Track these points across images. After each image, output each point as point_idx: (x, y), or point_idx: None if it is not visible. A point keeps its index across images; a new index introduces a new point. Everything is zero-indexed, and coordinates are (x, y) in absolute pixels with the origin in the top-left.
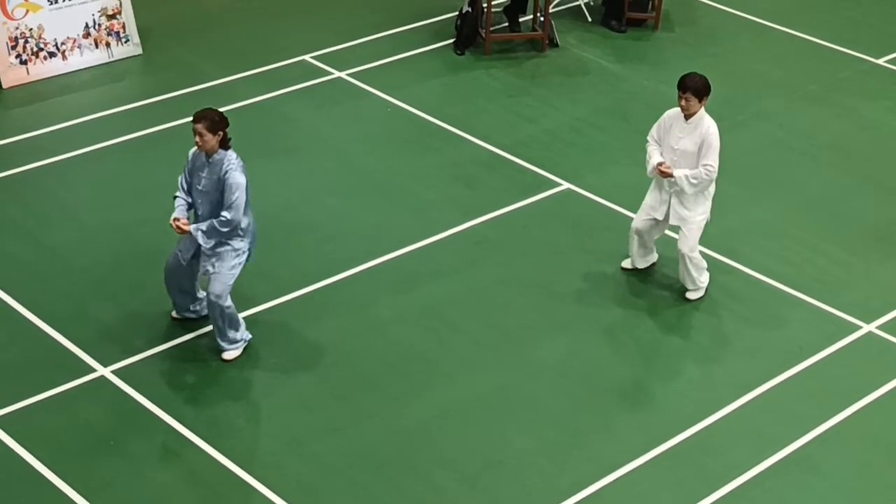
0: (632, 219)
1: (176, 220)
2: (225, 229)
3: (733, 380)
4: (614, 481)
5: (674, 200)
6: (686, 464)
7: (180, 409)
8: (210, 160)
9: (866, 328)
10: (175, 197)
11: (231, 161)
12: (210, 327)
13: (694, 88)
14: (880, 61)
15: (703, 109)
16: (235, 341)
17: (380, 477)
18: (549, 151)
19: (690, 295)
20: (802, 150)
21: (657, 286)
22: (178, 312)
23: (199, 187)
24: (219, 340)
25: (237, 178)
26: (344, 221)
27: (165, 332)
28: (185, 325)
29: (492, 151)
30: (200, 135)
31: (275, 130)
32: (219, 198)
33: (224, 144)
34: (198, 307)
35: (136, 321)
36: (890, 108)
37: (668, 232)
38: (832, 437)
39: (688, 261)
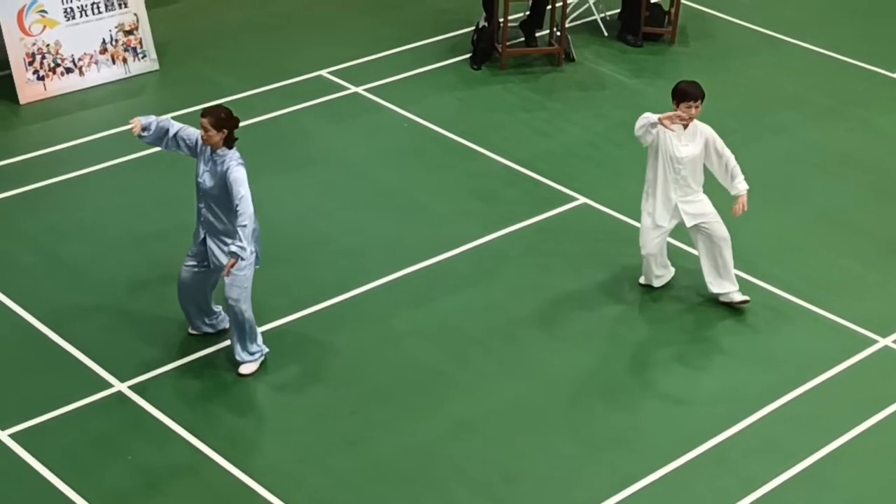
0: None
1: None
2: (245, 223)
3: (748, 394)
4: (630, 496)
5: (682, 203)
6: (701, 478)
7: (197, 424)
8: (213, 155)
9: (882, 342)
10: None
11: (233, 158)
12: (227, 342)
13: (703, 96)
14: (894, 75)
15: None
16: (253, 354)
17: (396, 491)
18: (565, 166)
19: (737, 296)
20: (817, 163)
21: (674, 300)
22: (193, 328)
23: (200, 180)
24: (238, 352)
25: (238, 172)
26: (360, 235)
27: (182, 346)
28: (202, 339)
29: (508, 166)
30: (205, 129)
31: (291, 145)
32: (221, 195)
33: (229, 143)
34: (214, 321)
35: (153, 336)
36: None
37: (679, 244)
38: (848, 451)
39: (728, 248)
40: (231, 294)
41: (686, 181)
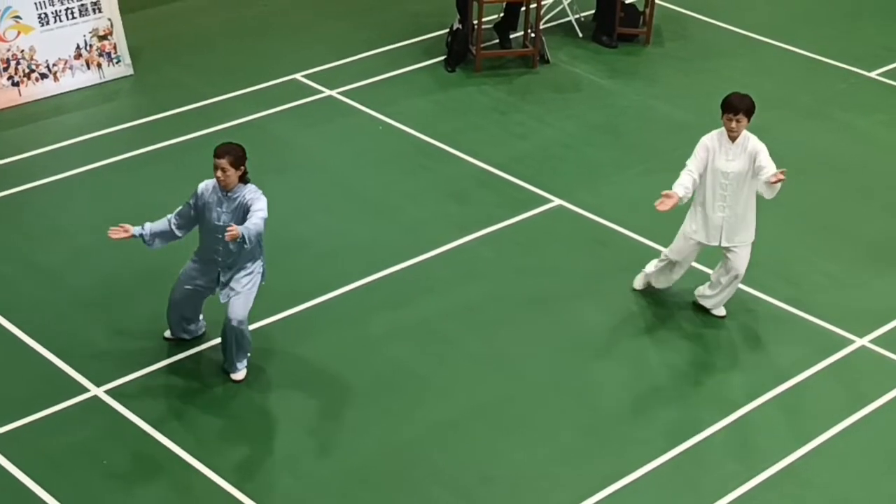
0: (625, 235)
1: (125, 228)
2: (261, 221)
3: (726, 394)
4: (608, 496)
5: (727, 224)
6: (679, 478)
7: (173, 428)
8: (228, 195)
9: (859, 342)
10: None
11: (253, 190)
12: (202, 347)
13: (746, 110)
14: (873, 74)
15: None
16: (243, 361)
17: (374, 493)
18: (540, 168)
19: (720, 312)
20: (796, 164)
21: (651, 302)
22: (172, 334)
23: (220, 223)
24: (233, 363)
25: (265, 200)
26: (336, 239)
27: (158, 351)
28: (178, 344)
29: (483, 168)
30: (223, 170)
31: (266, 149)
32: None
33: (244, 179)
34: (192, 327)
35: (130, 341)
36: (883, 121)
37: (657, 246)
38: (825, 450)
39: (737, 283)
40: (237, 314)
41: (734, 199)
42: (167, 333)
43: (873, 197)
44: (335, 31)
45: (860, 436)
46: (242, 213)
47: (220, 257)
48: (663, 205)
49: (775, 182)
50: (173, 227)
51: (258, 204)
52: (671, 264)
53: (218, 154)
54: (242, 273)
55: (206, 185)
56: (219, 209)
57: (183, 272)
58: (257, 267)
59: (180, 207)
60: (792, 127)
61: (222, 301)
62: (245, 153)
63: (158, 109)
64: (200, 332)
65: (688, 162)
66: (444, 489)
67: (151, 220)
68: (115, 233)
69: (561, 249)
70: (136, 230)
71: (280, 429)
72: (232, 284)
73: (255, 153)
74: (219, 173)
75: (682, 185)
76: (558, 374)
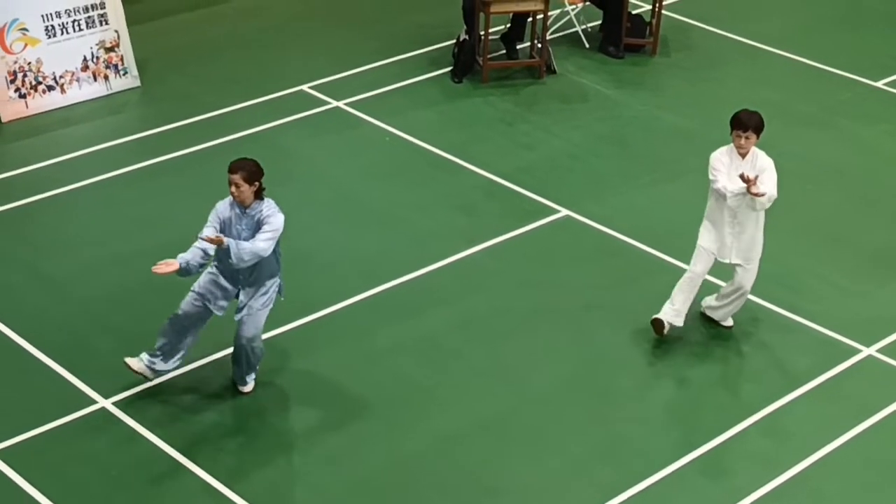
0: (633, 245)
1: (168, 263)
2: (263, 244)
3: (734, 404)
4: None
5: (737, 241)
6: (687, 489)
7: (180, 440)
8: (245, 212)
9: (866, 351)
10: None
11: (271, 206)
12: (210, 358)
13: (756, 126)
14: (879, 84)
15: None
16: (253, 374)
17: None
18: (547, 178)
19: (728, 323)
20: (801, 173)
21: (655, 314)
22: (157, 351)
23: (242, 240)
24: (243, 377)
25: (279, 218)
26: (342, 251)
27: None
28: (185, 356)
29: (490, 179)
30: (237, 185)
31: (272, 160)
32: None
33: (260, 195)
34: (184, 344)
35: (137, 352)
36: (888, 131)
37: (661, 255)
38: (834, 460)
39: (745, 296)
40: (246, 333)
41: (745, 216)
42: (135, 364)
43: (878, 206)
44: (342, 42)
45: (868, 445)
46: (258, 231)
47: (241, 275)
48: (756, 188)
49: (754, 193)
50: (207, 251)
51: (269, 223)
52: (695, 285)
53: (232, 169)
54: (262, 291)
55: (224, 203)
56: (238, 226)
57: (199, 286)
58: (274, 284)
59: (202, 232)
60: (797, 136)
61: (237, 318)
62: (260, 168)
63: (165, 121)
64: (174, 366)
65: (715, 176)
66: (449, 501)
67: (158, 234)
68: (160, 268)
69: (568, 260)
70: (181, 262)
71: (287, 440)
72: (251, 303)
73: (261, 164)
74: (233, 189)
75: (735, 183)
76: (565, 387)
